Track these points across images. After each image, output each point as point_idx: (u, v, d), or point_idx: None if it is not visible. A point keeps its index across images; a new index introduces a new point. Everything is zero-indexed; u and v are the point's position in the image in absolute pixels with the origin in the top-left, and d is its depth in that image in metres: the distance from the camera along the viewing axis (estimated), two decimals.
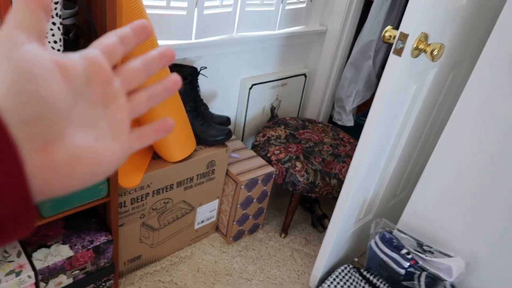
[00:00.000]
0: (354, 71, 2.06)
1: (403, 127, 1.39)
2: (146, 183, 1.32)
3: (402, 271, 1.33)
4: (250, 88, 1.84)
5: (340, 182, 1.66)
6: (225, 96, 1.80)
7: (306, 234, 1.87)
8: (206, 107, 1.57)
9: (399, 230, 1.42)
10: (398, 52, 1.09)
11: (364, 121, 2.26)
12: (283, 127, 1.87)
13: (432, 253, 1.34)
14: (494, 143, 1.14)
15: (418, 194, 1.37)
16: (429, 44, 1.09)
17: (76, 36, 1.04)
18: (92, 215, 1.29)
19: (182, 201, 1.50)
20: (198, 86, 1.50)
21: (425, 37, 1.11)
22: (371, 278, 1.46)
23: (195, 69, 1.48)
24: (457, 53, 1.35)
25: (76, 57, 0.26)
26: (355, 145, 1.86)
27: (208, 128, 1.49)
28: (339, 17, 1.95)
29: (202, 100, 1.55)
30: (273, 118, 2.08)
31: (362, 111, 2.30)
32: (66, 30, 1.00)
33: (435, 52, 1.07)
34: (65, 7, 0.98)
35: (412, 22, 1.04)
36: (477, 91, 1.13)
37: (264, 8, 1.69)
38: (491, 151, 1.15)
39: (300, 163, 1.66)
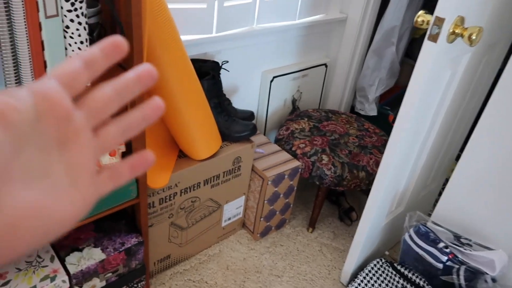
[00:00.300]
0: (376, 58, 2.00)
1: (436, 115, 1.34)
2: (173, 183, 1.29)
3: (440, 265, 1.28)
4: (271, 81, 1.80)
5: (369, 174, 1.61)
6: (246, 90, 1.77)
7: (334, 228, 1.83)
8: (229, 102, 1.53)
9: (434, 223, 1.38)
10: (434, 38, 1.04)
11: (387, 110, 2.20)
12: (306, 119, 1.83)
13: (471, 246, 1.29)
14: None
15: (453, 184, 1.32)
16: (466, 28, 1.03)
17: (100, 35, 1.01)
18: (121, 217, 1.27)
19: (209, 199, 1.47)
20: (220, 81, 1.47)
21: (461, 20, 1.05)
22: (405, 272, 1.42)
23: (217, 63, 1.44)
24: (491, 36, 1.29)
25: (23, 94, 0.22)
26: (381, 136, 1.81)
27: (233, 123, 1.46)
28: (360, 4, 1.88)
29: (225, 95, 1.52)
30: (295, 111, 2.04)
31: (384, 99, 2.24)
32: (89, 30, 0.98)
33: (473, 36, 1.02)
34: (88, 5, 0.95)
35: (449, 5, 0.99)
36: None
37: None
38: None
39: (327, 156, 1.62)
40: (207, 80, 1.37)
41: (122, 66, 0.99)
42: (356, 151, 1.67)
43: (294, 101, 2.00)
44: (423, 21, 1.10)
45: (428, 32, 1.05)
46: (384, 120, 2.18)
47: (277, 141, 1.76)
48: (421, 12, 1.11)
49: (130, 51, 0.93)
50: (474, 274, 1.25)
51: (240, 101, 1.77)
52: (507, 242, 1.22)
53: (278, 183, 1.58)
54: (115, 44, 0.26)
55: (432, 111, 1.30)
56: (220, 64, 1.49)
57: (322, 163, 1.60)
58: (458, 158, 1.83)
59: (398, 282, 1.43)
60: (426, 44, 1.06)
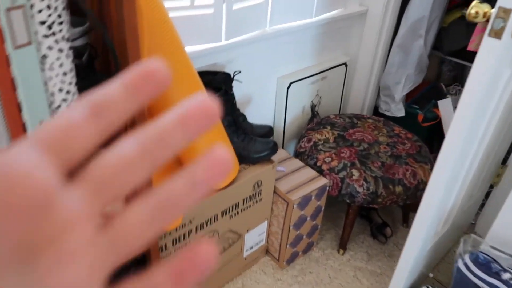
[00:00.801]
0: (402, 54, 1.80)
1: (491, 119, 1.14)
2: (187, 219, 1.11)
3: None
4: (288, 87, 1.61)
5: (406, 189, 1.42)
6: (260, 100, 1.58)
7: (367, 247, 1.65)
8: (244, 117, 1.35)
9: (492, 247, 1.18)
10: (497, 34, 0.84)
11: (415, 109, 2.00)
12: (329, 127, 1.64)
13: None
14: None
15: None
16: None
17: (91, 58, 0.83)
18: (130, 263, 1.10)
19: (229, 230, 1.29)
20: (233, 95, 1.28)
21: None
22: None
23: (228, 75, 1.26)
24: None
25: None
26: (414, 141, 1.61)
27: (250, 143, 1.27)
28: None
29: (239, 110, 1.33)
30: (314, 117, 1.84)
31: (411, 97, 2.04)
32: (77, 53, 0.79)
33: None
34: (73, 24, 0.76)
35: None
36: None
37: None
38: None
39: (357, 171, 1.43)
40: (219, 96, 1.18)
41: None
42: (390, 162, 1.48)
43: (313, 107, 1.81)
44: (477, 12, 0.91)
45: (489, 27, 0.85)
46: (413, 120, 1.98)
47: (299, 155, 1.58)
48: (475, 2, 0.91)
49: None
50: None
51: (255, 113, 1.58)
52: None
53: (304, 206, 1.39)
54: (149, 74, 0.16)
55: (488, 114, 1.10)
56: (232, 76, 1.30)
57: (353, 179, 1.41)
58: (504, 161, 1.63)
59: None
60: (487, 41, 0.86)
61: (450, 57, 1.97)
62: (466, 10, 1.92)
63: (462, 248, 1.19)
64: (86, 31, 0.77)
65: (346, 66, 1.85)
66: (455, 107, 1.94)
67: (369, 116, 1.75)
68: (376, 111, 2.07)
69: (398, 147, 1.56)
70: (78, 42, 0.77)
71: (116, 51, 0.76)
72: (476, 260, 1.14)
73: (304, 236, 1.51)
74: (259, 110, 1.60)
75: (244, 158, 1.26)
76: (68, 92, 0.67)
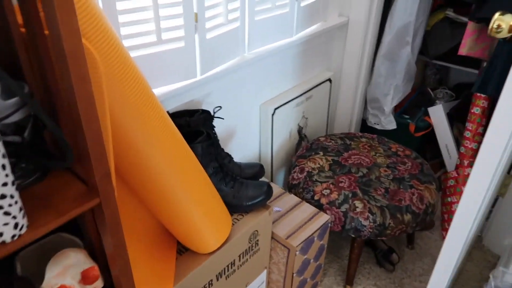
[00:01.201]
0: (389, 63, 1.68)
1: None
2: None
3: None
4: (273, 114, 1.45)
5: (415, 215, 1.29)
6: (244, 131, 1.41)
7: (374, 278, 1.51)
8: (230, 158, 1.18)
9: None
10: None
11: (406, 119, 1.88)
12: (321, 153, 1.49)
13: None
14: None
15: None
16: None
17: (36, 131, 0.64)
18: None
19: None
20: (216, 137, 1.11)
21: None
22: None
23: (208, 113, 1.09)
24: None
25: None
26: (414, 159, 1.49)
27: (241, 189, 1.10)
28: (363, 1, 1.55)
29: (223, 150, 1.16)
30: (302, 140, 1.70)
31: (400, 107, 1.92)
32: (17, 129, 0.60)
33: None
34: (4, 91, 0.58)
35: None
36: None
37: (277, 12, 1.28)
38: None
39: (360, 202, 1.28)
40: (201, 143, 1.01)
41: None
42: (393, 187, 1.34)
43: (300, 130, 1.66)
44: (499, 26, 0.78)
45: None
46: (404, 131, 1.86)
47: (292, 188, 1.42)
48: (497, 15, 0.78)
49: (88, 164, 0.56)
50: None
51: (239, 147, 1.42)
52: None
53: (307, 250, 1.24)
54: None
55: None
56: (212, 113, 1.14)
57: (357, 212, 1.27)
58: (509, 170, 1.52)
59: None
60: None
61: (436, 61, 1.87)
62: (450, 10, 1.81)
63: (493, 283, 1.06)
64: (23, 103, 0.59)
65: (331, 81, 1.71)
66: (446, 113, 1.83)
67: (362, 135, 1.62)
68: (364, 124, 1.94)
69: (399, 168, 1.43)
70: (16, 117, 0.58)
71: (71, 152, 0.57)
72: None
73: (308, 279, 1.35)
74: (243, 143, 1.43)
75: (236, 207, 1.10)
76: (3, 197, 0.49)
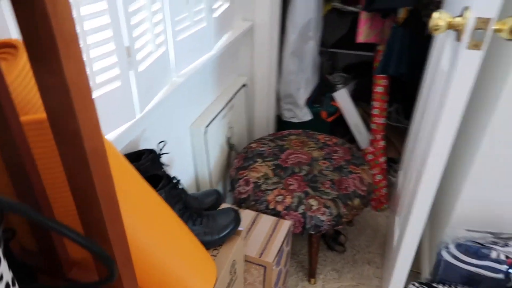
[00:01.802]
0: (297, 60, 1.74)
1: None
2: None
3: (501, 275, 1.14)
4: (205, 133, 1.39)
5: (362, 198, 1.38)
6: (180, 158, 1.32)
7: (331, 263, 1.58)
8: (186, 193, 1.09)
9: (468, 230, 1.22)
10: (477, 45, 0.80)
11: (317, 107, 1.99)
12: (260, 160, 1.48)
13: None
14: None
15: (474, 178, 1.17)
16: (504, 22, 0.81)
17: (5, 241, 0.50)
18: None
19: None
20: (169, 175, 1.02)
21: None
22: None
23: (154, 152, 0.99)
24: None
25: None
26: (342, 145, 1.58)
27: (209, 222, 1.04)
28: (265, 4, 1.56)
29: (179, 187, 1.07)
30: (231, 150, 1.66)
31: (308, 98, 2.01)
32: None
33: None
34: None
35: (495, 2, 0.75)
36: None
37: (197, 28, 1.21)
38: None
39: (314, 200, 1.32)
40: (163, 188, 0.91)
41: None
42: (336, 177, 1.41)
43: (229, 141, 1.62)
44: (439, 25, 0.85)
45: (468, 40, 0.80)
46: (317, 119, 1.97)
47: (242, 202, 1.39)
48: (437, 14, 0.85)
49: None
50: None
51: (178, 175, 1.33)
52: None
53: (280, 261, 1.23)
54: None
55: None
56: (159, 151, 1.03)
57: (314, 210, 1.30)
58: None
59: None
60: (467, 54, 0.81)
61: (332, 49, 2.00)
62: (337, 1, 1.94)
63: (446, 239, 1.20)
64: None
65: (246, 86, 1.70)
66: (350, 95, 1.98)
67: (289, 132, 1.66)
68: (279, 121, 1.99)
69: (334, 157, 1.50)
70: None
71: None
72: (462, 249, 1.16)
73: (281, 286, 1.35)
74: (180, 170, 1.34)
75: (210, 243, 1.03)
76: None
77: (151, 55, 1.00)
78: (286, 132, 1.66)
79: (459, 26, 0.81)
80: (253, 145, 1.58)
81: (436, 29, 0.84)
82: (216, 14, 1.34)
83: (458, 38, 0.85)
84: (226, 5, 1.43)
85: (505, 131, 1.06)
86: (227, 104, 1.53)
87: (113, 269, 0.38)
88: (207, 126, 1.39)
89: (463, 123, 1.31)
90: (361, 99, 2.03)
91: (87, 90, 0.36)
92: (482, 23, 0.77)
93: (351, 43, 2.06)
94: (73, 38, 0.33)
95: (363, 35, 1.64)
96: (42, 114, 0.44)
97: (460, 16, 0.84)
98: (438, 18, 0.82)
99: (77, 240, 0.35)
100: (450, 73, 0.92)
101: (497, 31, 0.82)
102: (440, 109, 0.94)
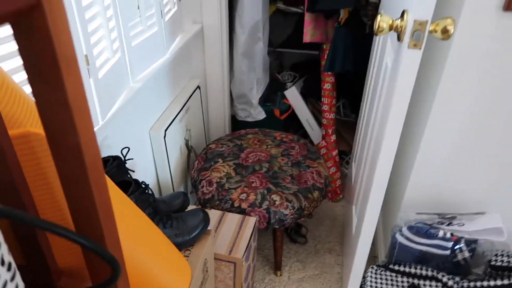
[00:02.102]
0: (247, 60, 1.78)
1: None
2: None
3: (447, 252, 1.26)
4: (165, 136, 1.39)
5: (320, 190, 1.45)
6: (141, 163, 1.32)
7: (295, 255, 1.65)
8: (154, 197, 1.10)
9: (418, 213, 1.34)
10: (416, 45, 0.89)
11: (269, 106, 2.04)
12: (221, 160, 1.51)
13: (456, 218, 1.31)
14: (485, 90, 1.09)
15: (420, 165, 1.28)
16: (437, 23, 0.91)
17: None
18: None
19: None
20: (136, 180, 1.02)
21: None
22: (408, 269, 1.36)
23: (119, 159, 0.98)
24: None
25: None
26: (298, 141, 1.65)
27: (179, 224, 1.05)
28: (213, 5, 1.59)
29: (148, 192, 1.07)
30: (190, 152, 1.67)
31: (260, 97, 2.07)
32: None
33: (449, 29, 0.90)
34: None
35: (430, 6, 0.84)
36: (463, 47, 1.04)
37: (149, 32, 1.21)
38: (489, 99, 1.11)
39: (276, 195, 1.37)
40: (133, 194, 0.92)
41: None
42: (295, 172, 1.47)
43: (187, 143, 1.63)
44: (381, 27, 0.93)
45: (408, 40, 0.88)
46: (271, 117, 2.03)
47: (206, 202, 1.41)
48: (380, 17, 0.92)
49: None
50: (474, 242, 1.27)
51: (141, 179, 1.32)
52: (492, 203, 1.27)
53: (248, 256, 1.27)
54: None
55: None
56: (123, 157, 1.03)
57: (277, 205, 1.36)
58: None
59: (403, 282, 1.37)
60: (408, 53, 0.89)
61: (279, 49, 2.07)
62: (280, 3, 2.01)
63: (399, 222, 1.30)
64: None
65: (200, 88, 1.71)
66: (299, 92, 2.06)
67: (246, 131, 1.70)
68: (234, 120, 2.02)
69: (292, 153, 1.57)
70: None
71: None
72: (413, 230, 1.27)
73: (250, 281, 1.39)
74: (142, 175, 1.34)
75: (181, 245, 1.04)
76: None
77: (108, 62, 0.99)
78: (243, 131, 1.70)
79: (399, 28, 0.89)
80: (212, 146, 1.60)
81: (380, 31, 0.91)
82: (167, 17, 1.35)
83: (400, 39, 0.94)
84: (175, 9, 1.44)
85: (443, 121, 1.17)
86: (183, 106, 1.54)
87: (117, 270, 0.40)
88: (166, 129, 1.40)
89: (408, 115, 1.43)
90: (311, 95, 2.11)
91: (85, 105, 0.37)
92: (419, 25, 0.85)
93: (297, 43, 2.14)
94: (73, 58, 0.34)
95: (308, 35, 1.72)
96: (27, 128, 0.44)
97: (400, 18, 0.92)
98: (381, 21, 0.90)
99: (85, 244, 0.36)
100: (394, 71, 1.01)
101: (432, 31, 0.91)
102: (388, 104, 1.02)
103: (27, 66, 0.33)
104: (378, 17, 0.92)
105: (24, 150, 0.44)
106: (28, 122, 0.47)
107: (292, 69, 2.34)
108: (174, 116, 1.46)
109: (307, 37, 1.74)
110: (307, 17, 1.71)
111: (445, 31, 0.90)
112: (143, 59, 1.19)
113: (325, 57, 1.77)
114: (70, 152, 0.38)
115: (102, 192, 0.41)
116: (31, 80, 0.34)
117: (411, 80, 0.93)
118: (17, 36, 0.32)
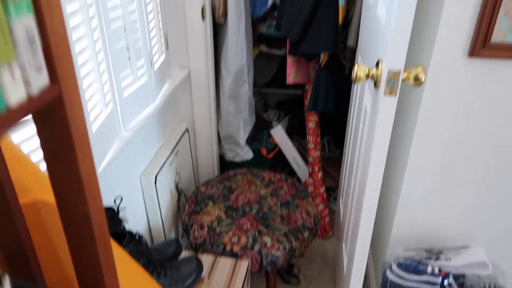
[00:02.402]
0: (234, 102, 1.84)
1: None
2: None
3: (438, 287, 1.28)
4: (155, 181, 1.41)
5: (310, 230, 1.47)
6: (132, 210, 1.32)
7: None
8: (148, 247, 1.10)
9: (406, 249, 1.36)
10: (392, 92, 0.94)
11: (257, 145, 2.09)
12: (211, 203, 1.53)
13: (443, 253, 1.34)
14: (462, 131, 1.16)
15: (404, 201, 1.32)
16: (410, 71, 0.97)
17: None
18: None
19: None
20: (130, 231, 1.03)
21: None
22: None
23: (112, 210, 1.00)
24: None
25: None
26: (286, 180, 1.68)
27: (173, 273, 1.05)
28: (199, 51, 1.65)
29: (139, 241, 1.08)
30: (180, 195, 1.68)
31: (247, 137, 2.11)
32: None
33: (420, 76, 0.97)
34: None
35: (402, 57, 0.90)
36: (435, 92, 1.12)
37: (140, 83, 1.26)
38: (462, 137, 1.17)
39: (267, 237, 1.39)
40: (128, 245, 0.92)
41: None
42: (285, 212, 1.50)
43: (177, 186, 1.65)
44: (358, 76, 0.99)
45: (383, 88, 0.94)
46: (258, 156, 2.06)
47: (198, 247, 1.41)
48: (357, 66, 0.99)
49: None
50: (463, 277, 1.30)
51: (132, 226, 1.32)
52: (476, 236, 1.31)
53: None
54: None
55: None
56: (116, 208, 1.04)
57: (268, 247, 1.37)
58: None
59: None
60: (385, 100, 0.95)
61: (264, 89, 2.14)
62: (263, 46, 2.09)
63: (388, 259, 1.32)
64: None
65: (188, 131, 1.75)
66: (285, 130, 2.12)
67: (234, 172, 1.72)
68: (222, 161, 2.05)
69: (280, 193, 1.59)
70: None
71: None
72: (403, 267, 1.29)
73: None
74: (134, 222, 1.34)
75: None
76: None
77: (101, 115, 1.02)
78: (232, 172, 1.73)
79: (375, 77, 0.96)
80: (202, 188, 1.62)
81: (358, 80, 0.98)
82: (156, 66, 1.40)
83: (376, 86, 1.00)
84: (163, 57, 1.49)
85: (422, 159, 1.22)
86: (172, 150, 1.56)
87: None
88: (157, 175, 1.41)
89: (389, 155, 1.48)
90: (296, 133, 2.17)
91: (95, 180, 0.40)
92: (393, 75, 0.91)
93: (281, 83, 2.21)
94: (85, 137, 0.37)
95: (291, 77, 1.79)
96: (36, 196, 0.46)
97: (375, 67, 0.99)
98: (358, 70, 0.96)
99: None
100: (373, 116, 1.06)
101: (405, 79, 0.98)
102: (369, 147, 1.07)
103: (44, 146, 0.36)
104: (356, 67, 0.98)
105: (33, 218, 0.46)
106: (35, 188, 0.49)
107: (277, 107, 2.41)
108: (164, 161, 1.48)
109: (290, 79, 1.81)
110: (289, 59, 1.79)
111: (417, 78, 0.96)
112: (134, 108, 1.23)
113: (308, 97, 1.84)
114: (80, 223, 0.40)
115: (109, 259, 0.43)
116: (47, 158, 0.37)
117: (389, 125, 0.98)
118: (38, 123, 0.34)
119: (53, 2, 0.29)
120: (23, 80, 0.29)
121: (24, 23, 0.28)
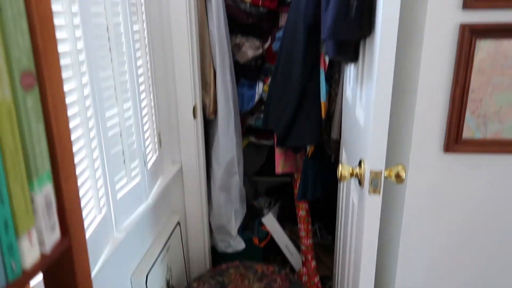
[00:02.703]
0: (224, 194, 1.87)
1: None
2: None
3: None
4: (146, 281, 1.38)
5: None
6: None
7: None
8: None
9: None
10: (375, 191, 0.99)
11: (249, 235, 2.08)
12: None
13: None
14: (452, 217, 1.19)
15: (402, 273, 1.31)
16: (390, 169, 1.04)
17: None
18: None
19: None
20: None
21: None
22: None
23: None
24: None
25: None
26: (278, 272, 1.66)
27: None
28: (191, 146, 1.72)
29: None
30: None
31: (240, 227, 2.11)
32: None
33: (401, 174, 1.03)
34: None
35: (382, 158, 0.97)
36: (416, 187, 1.17)
37: (133, 183, 1.29)
38: (450, 222, 1.20)
39: None
40: None
41: None
42: None
43: (168, 283, 1.61)
44: (343, 175, 1.05)
45: (368, 187, 0.99)
46: (250, 246, 2.05)
47: None
48: (342, 166, 1.05)
49: None
50: None
51: None
52: None
53: None
54: None
55: None
56: None
57: None
58: None
59: None
60: (369, 198, 1.00)
61: (254, 177, 2.19)
62: (252, 137, 2.18)
63: None
64: None
65: (179, 224, 1.75)
66: (276, 218, 2.13)
67: (227, 266, 1.70)
68: (214, 251, 2.03)
69: (274, 286, 1.56)
70: None
71: None
72: None
73: None
74: None
75: None
76: None
77: (95, 219, 1.04)
78: (224, 266, 1.71)
79: (359, 175, 1.01)
80: (194, 284, 1.58)
81: (343, 179, 1.03)
82: (149, 165, 1.45)
83: (361, 184, 1.05)
84: (156, 155, 1.55)
85: (413, 250, 1.24)
86: (164, 246, 1.55)
87: None
88: (148, 274, 1.39)
89: (379, 248, 1.50)
90: (287, 220, 2.18)
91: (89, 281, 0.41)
92: (375, 174, 0.97)
93: (270, 171, 2.27)
94: (88, 277, 0.40)
95: (280, 167, 1.85)
96: None
97: (358, 166, 1.05)
98: (343, 170, 1.02)
99: None
100: (360, 213, 1.10)
101: (387, 177, 1.04)
102: (359, 244, 1.09)
103: (47, 282, 0.38)
104: (340, 167, 1.04)
105: None
106: None
107: (267, 194, 2.44)
108: (155, 258, 1.46)
109: (279, 169, 1.87)
110: (277, 151, 1.86)
111: (398, 176, 1.02)
112: (127, 208, 1.25)
113: (297, 185, 1.88)
114: None
115: None
116: None
117: (376, 222, 1.01)
118: (46, 277, 0.37)
119: (67, 161, 0.34)
120: (39, 241, 0.32)
121: (44, 192, 0.32)
